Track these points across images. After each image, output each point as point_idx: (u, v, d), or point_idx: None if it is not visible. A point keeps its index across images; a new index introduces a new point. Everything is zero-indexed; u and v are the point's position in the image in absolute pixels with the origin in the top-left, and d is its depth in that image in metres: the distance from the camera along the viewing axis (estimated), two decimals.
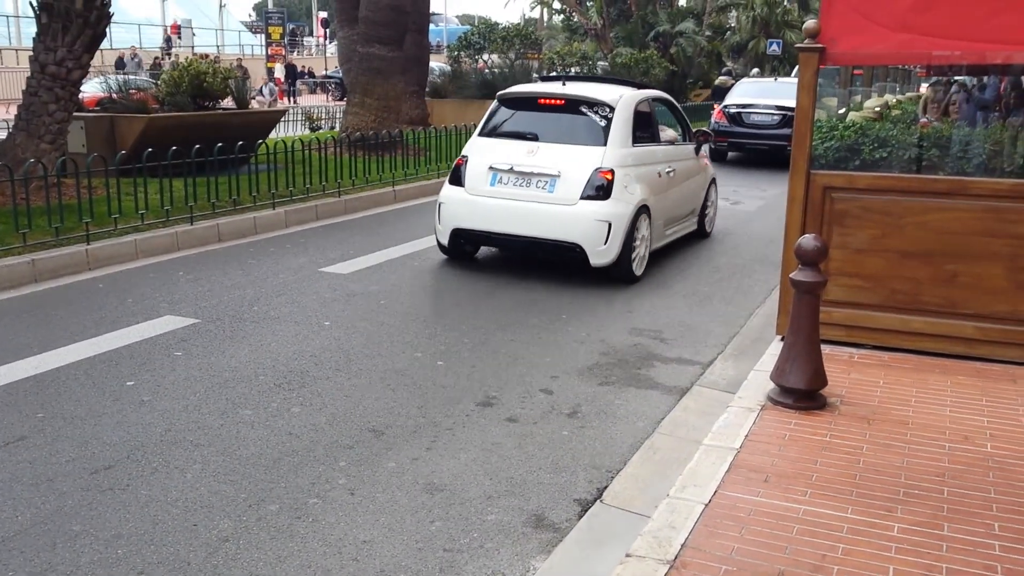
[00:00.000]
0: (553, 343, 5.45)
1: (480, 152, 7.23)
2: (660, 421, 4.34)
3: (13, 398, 4.40)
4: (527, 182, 6.88)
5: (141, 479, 3.61)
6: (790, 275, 4.13)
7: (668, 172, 7.64)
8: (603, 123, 7.04)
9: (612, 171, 6.76)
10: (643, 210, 7.03)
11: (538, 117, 7.35)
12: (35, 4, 9.23)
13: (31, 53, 9.38)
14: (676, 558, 2.87)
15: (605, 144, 6.91)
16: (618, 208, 6.73)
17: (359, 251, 7.85)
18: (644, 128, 7.47)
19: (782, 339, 4.64)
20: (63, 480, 3.59)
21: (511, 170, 6.94)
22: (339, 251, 7.85)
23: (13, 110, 10.95)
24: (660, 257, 7.76)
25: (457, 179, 7.25)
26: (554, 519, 3.41)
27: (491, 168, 7.02)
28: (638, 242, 6.99)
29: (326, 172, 10.16)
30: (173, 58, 25.36)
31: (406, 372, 4.88)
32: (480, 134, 7.49)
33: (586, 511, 3.49)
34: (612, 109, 7.07)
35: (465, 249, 7.54)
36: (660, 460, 3.93)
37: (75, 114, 9.77)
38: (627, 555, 2.93)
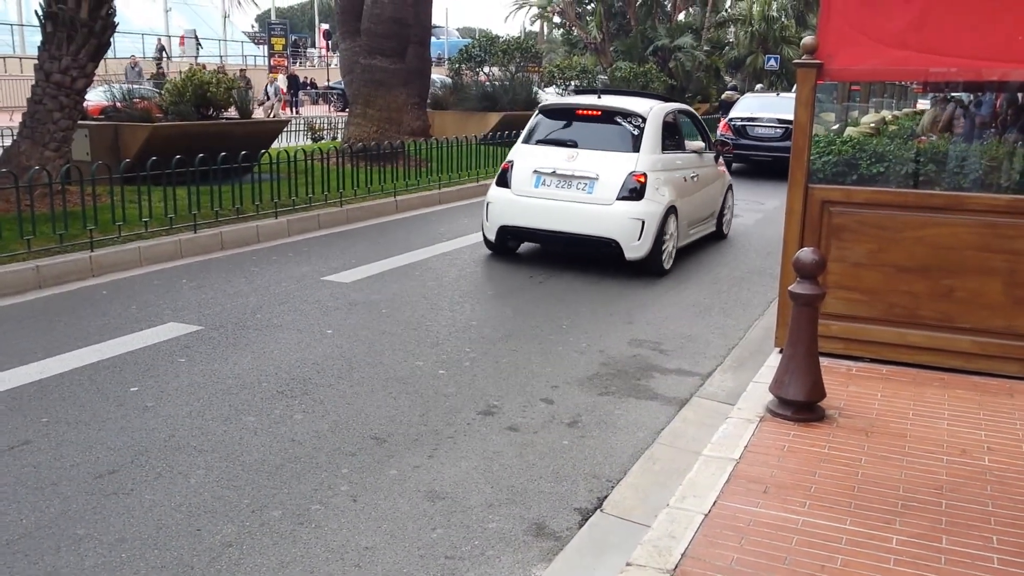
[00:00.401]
0: (554, 353, 5.48)
1: (524, 157, 7.98)
2: (660, 431, 4.36)
3: (18, 402, 4.42)
4: (568, 184, 7.63)
5: (145, 484, 3.63)
6: (789, 287, 4.17)
7: (692, 177, 8.40)
8: (636, 132, 7.80)
9: (645, 175, 7.50)
10: (672, 210, 7.74)
11: (577, 126, 8.11)
12: (41, 13, 9.29)
13: (36, 61, 9.44)
14: (676, 567, 2.90)
15: (638, 151, 7.67)
16: (650, 208, 7.46)
17: (361, 260, 7.89)
18: (672, 137, 8.26)
19: (781, 351, 4.68)
20: (67, 484, 3.61)
21: (554, 173, 7.70)
22: (341, 260, 7.90)
23: (17, 118, 11.02)
24: None
25: (504, 181, 7.99)
26: (555, 528, 3.44)
27: (535, 171, 7.78)
28: (667, 239, 7.72)
29: (328, 182, 10.22)
30: (181, 68, 25.43)
31: (408, 380, 4.92)
32: (524, 141, 8.23)
33: (586, 520, 3.51)
34: (644, 119, 7.82)
35: (508, 245, 8.28)
36: (660, 470, 3.96)
37: (79, 122, 9.83)
38: (627, 564, 2.95)
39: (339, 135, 15.99)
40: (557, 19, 41.18)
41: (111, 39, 9.91)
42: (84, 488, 3.59)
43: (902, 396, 4.46)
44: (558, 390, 4.86)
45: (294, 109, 30.43)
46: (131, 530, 3.28)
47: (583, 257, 8.22)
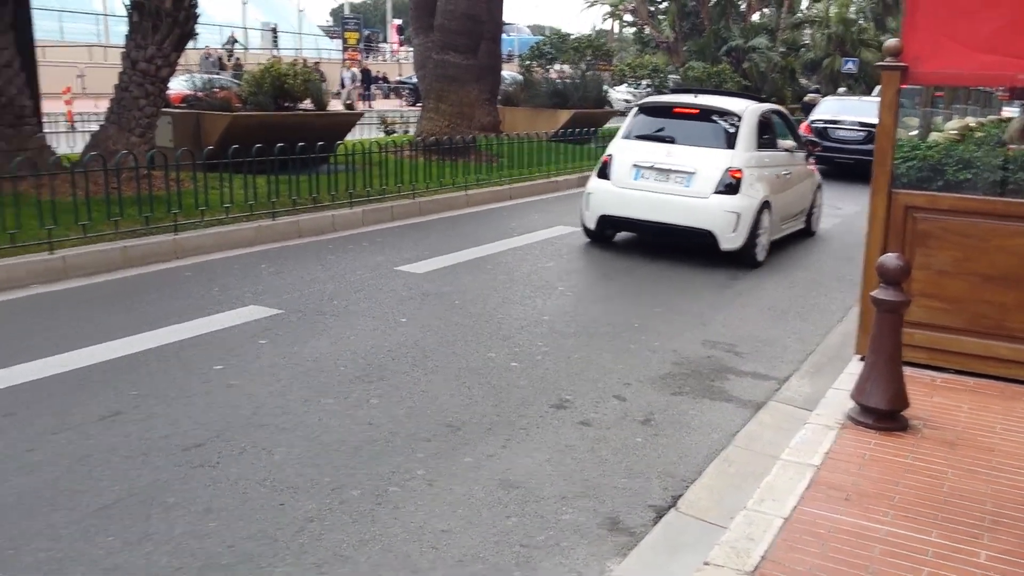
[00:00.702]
0: (625, 351, 5.46)
1: (624, 151, 8.39)
2: (735, 434, 4.32)
3: (109, 375, 4.61)
4: (666, 177, 8.01)
5: (230, 458, 3.75)
6: (871, 293, 4.08)
7: (785, 175, 8.70)
8: (732, 129, 8.14)
9: (741, 170, 7.84)
10: (765, 205, 8.05)
11: (675, 123, 8.48)
12: (128, 3, 9.62)
13: (123, 50, 9.78)
14: (755, 570, 2.87)
15: (734, 148, 8.01)
16: (745, 202, 7.80)
17: (433, 252, 7.98)
18: (765, 136, 8.56)
19: (861, 359, 4.59)
20: (157, 455, 3.75)
21: (652, 167, 8.08)
22: (414, 251, 8.00)
23: (102, 104, 11.43)
24: (735, 270, 7.82)
25: (604, 174, 8.42)
26: (629, 523, 3.44)
27: (635, 165, 8.18)
28: (761, 232, 8.04)
29: (401, 175, 10.36)
30: (260, 60, 26.02)
31: (480, 371, 4.96)
32: (623, 136, 8.63)
33: (661, 517, 3.50)
34: (739, 118, 8.16)
35: (606, 233, 8.69)
36: (735, 472, 3.92)
37: (163, 110, 10.15)
38: (705, 563, 2.94)
39: (411, 129, 16.18)
40: (629, 17, 40.92)
41: (193, 29, 10.21)
42: (172, 459, 3.72)
43: (990, 409, 4.32)
44: (630, 388, 4.84)
45: (366, 103, 30.89)
46: (217, 501, 3.40)
47: (658, 254, 8.23)
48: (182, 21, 9.77)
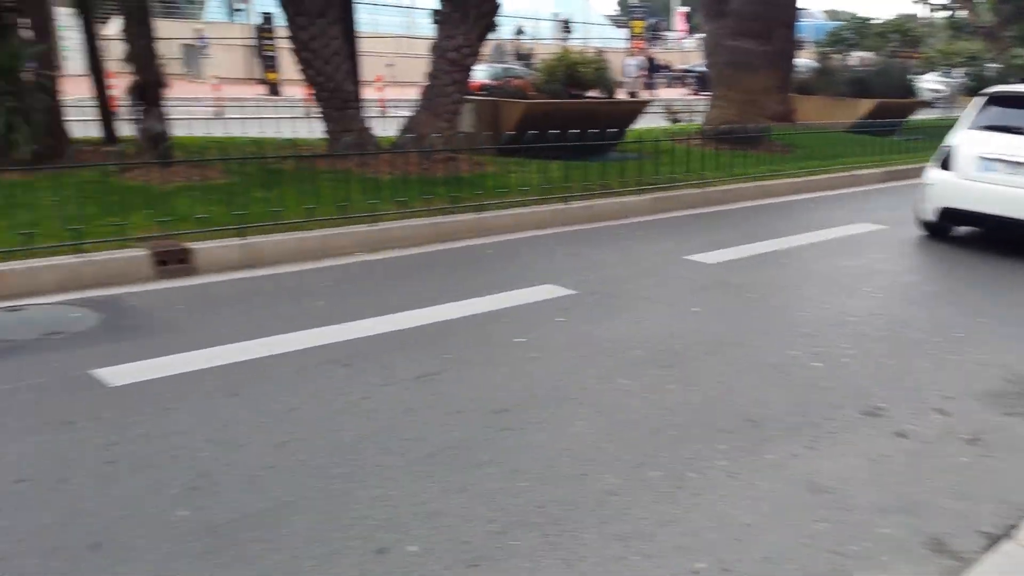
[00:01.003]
0: (945, 361, 4.96)
1: (968, 143, 8.03)
2: None
3: (425, 338, 5.02)
4: (1018, 171, 7.52)
5: (534, 425, 3.92)
6: None
7: None
8: None
9: None
10: None
11: None
12: None
13: (433, 40, 10.56)
14: None
15: None
16: None
17: (723, 243, 7.78)
18: None
19: None
20: (468, 414, 4.02)
21: (1002, 159, 7.65)
22: (702, 240, 7.86)
23: (409, 92, 12.46)
24: None
25: (946, 165, 8.10)
26: (956, 547, 3.11)
27: (981, 157, 7.80)
28: None
29: (689, 163, 10.21)
30: (552, 50, 27.01)
31: (780, 367, 4.75)
32: (968, 127, 8.24)
33: (994, 546, 3.13)
34: None
35: (944, 226, 8.34)
36: None
37: (464, 97, 10.84)
38: None
39: (695, 117, 15.91)
40: (939, 0, 37.05)
41: (495, 20, 10.78)
42: (482, 420, 3.96)
43: None
44: (953, 402, 4.38)
45: (650, 91, 30.91)
46: (524, 464, 3.56)
47: (984, 256, 7.61)
48: (486, 12, 10.38)
